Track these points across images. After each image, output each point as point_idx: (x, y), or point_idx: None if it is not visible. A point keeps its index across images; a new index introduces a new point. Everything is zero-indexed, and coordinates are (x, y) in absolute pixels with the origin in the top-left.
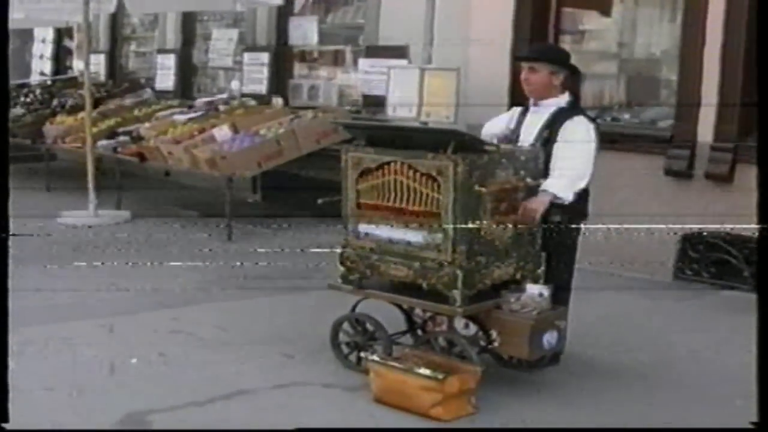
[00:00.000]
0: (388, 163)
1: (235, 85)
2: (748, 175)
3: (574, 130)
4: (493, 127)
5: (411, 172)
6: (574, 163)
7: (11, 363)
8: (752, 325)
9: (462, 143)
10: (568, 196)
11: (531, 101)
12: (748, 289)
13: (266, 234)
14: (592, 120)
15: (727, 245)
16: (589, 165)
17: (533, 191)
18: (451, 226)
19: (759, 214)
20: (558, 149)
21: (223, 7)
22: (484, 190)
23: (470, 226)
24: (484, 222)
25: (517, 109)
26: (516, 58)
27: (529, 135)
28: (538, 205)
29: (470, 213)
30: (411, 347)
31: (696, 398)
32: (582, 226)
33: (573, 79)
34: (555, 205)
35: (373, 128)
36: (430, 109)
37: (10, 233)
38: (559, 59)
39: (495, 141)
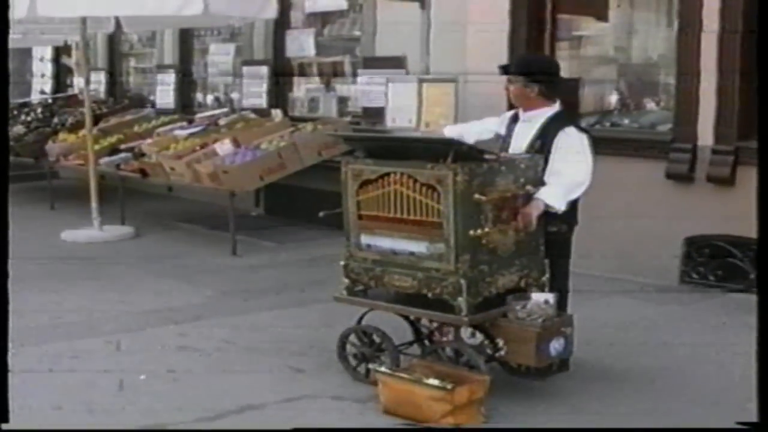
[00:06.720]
0: (388, 174)
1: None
2: (749, 177)
3: (566, 141)
4: (474, 133)
5: (411, 183)
6: (567, 173)
7: (20, 382)
8: None
9: (461, 152)
10: (560, 205)
11: (520, 110)
12: (755, 291)
13: (271, 247)
14: (584, 130)
15: (732, 248)
16: (583, 175)
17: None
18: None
19: (759, 219)
20: (552, 160)
21: (218, 24)
22: (484, 198)
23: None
24: (485, 230)
25: (508, 115)
26: (500, 68)
27: (520, 145)
28: (532, 209)
29: (471, 222)
30: (418, 358)
31: (706, 402)
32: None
33: (567, 87)
34: (551, 215)
35: (371, 139)
36: (430, 118)
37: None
38: (529, 72)
39: (478, 142)
